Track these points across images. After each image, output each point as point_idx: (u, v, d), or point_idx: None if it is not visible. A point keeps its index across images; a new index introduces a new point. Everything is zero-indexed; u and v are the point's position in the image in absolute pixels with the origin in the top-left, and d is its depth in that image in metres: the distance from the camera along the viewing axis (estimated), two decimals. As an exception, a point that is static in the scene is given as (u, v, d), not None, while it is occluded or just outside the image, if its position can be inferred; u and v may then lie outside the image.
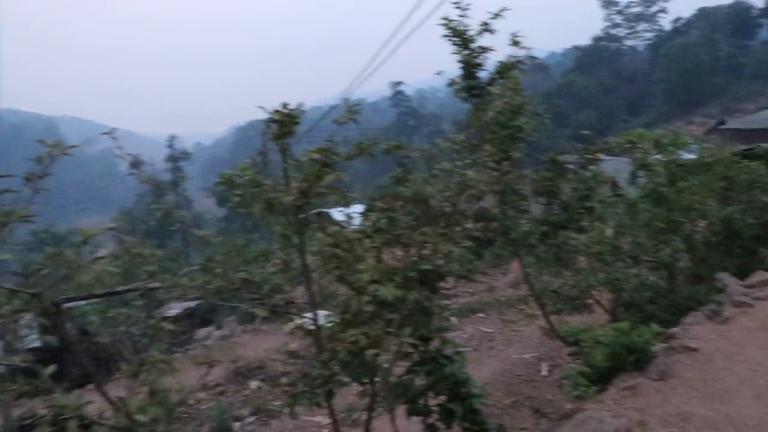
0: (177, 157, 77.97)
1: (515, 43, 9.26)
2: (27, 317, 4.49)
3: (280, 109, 5.15)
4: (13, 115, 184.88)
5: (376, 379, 5.62)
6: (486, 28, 9.20)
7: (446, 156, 6.94)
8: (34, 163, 4.07)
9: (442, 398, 5.74)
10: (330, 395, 5.26)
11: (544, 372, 11.80)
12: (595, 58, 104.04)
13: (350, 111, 5.30)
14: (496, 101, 9.15)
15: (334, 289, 5.29)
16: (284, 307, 5.86)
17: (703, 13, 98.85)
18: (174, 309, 22.10)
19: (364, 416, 6.08)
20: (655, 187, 11.26)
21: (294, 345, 13.08)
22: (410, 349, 5.56)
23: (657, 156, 11.89)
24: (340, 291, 4.91)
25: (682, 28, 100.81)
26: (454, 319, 16.35)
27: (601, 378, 7.12)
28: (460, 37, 9.27)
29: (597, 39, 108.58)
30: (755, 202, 11.71)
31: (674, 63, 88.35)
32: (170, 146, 79.29)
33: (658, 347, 7.22)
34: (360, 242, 5.18)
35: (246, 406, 12.96)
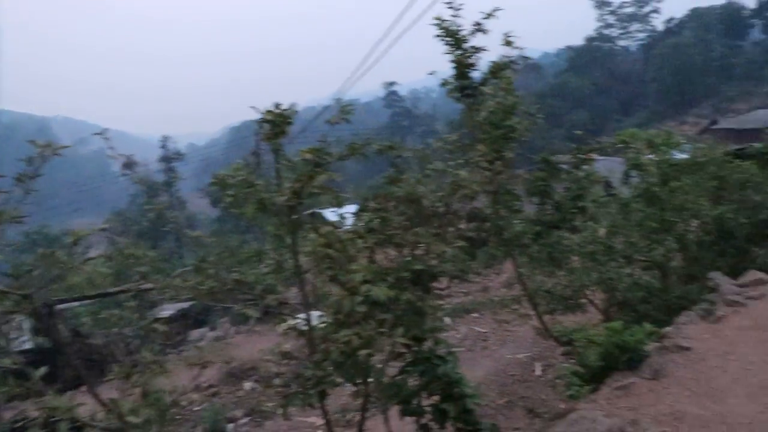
0: (170, 158, 77.75)
1: (508, 43, 9.27)
2: (19, 319, 4.46)
3: (272, 109, 5.13)
4: (4, 116, 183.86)
5: (370, 379, 5.61)
6: (478, 28, 9.20)
7: (439, 156, 6.94)
8: (25, 164, 4.05)
9: (436, 398, 5.74)
10: (323, 396, 5.26)
11: (538, 372, 11.83)
12: (588, 58, 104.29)
13: (342, 111, 5.29)
14: (489, 101, 9.15)
15: (327, 290, 5.28)
16: (277, 307, 5.85)
17: (696, 14, 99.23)
18: (167, 310, 22.06)
19: (358, 417, 6.07)
20: (647, 186, 11.28)
21: (287, 346, 13.08)
22: (403, 350, 5.55)
23: (650, 156, 11.91)
24: (332, 291, 4.90)
25: (674, 28, 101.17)
26: (447, 319, 16.36)
27: (594, 378, 7.12)
28: (452, 37, 9.26)
29: (590, 39, 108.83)
30: (747, 201, 11.75)
31: (667, 63, 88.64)
32: (163, 147, 79.07)
33: (651, 347, 7.22)
34: (352, 242, 5.17)
35: (239, 407, 12.95)
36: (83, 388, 4.64)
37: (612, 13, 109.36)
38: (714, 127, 63.17)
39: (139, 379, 4.36)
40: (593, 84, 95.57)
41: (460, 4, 9.21)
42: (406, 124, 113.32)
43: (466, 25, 9.31)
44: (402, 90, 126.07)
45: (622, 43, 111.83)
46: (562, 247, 10.15)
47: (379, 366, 5.69)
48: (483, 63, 9.61)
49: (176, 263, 39.47)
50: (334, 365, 4.97)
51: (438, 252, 5.47)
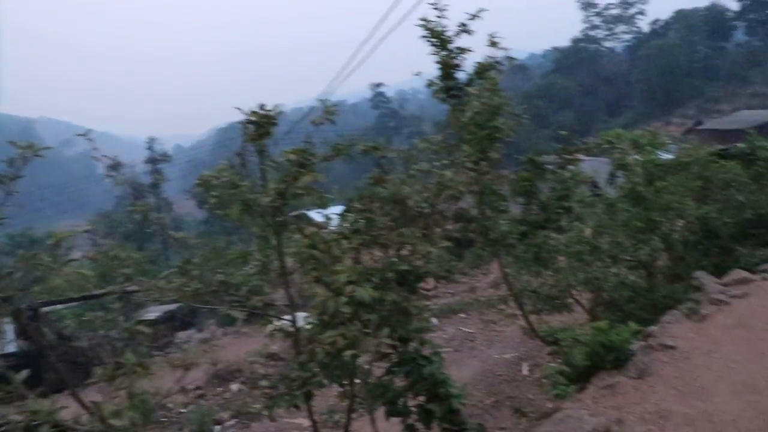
0: (156, 159, 77.38)
1: (493, 44, 9.29)
2: (2, 321, 4.41)
3: (257, 110, 5.11)
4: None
5: (356, 380, 5.60)
6: (464, 29, 9.22)
7: (424, 157, 6.94)
8: (6, 165, 4.01)
9: (421, 399, 5.74)
10: (309, 397, 5.24)
11: (525, 372, 11.84)
12: (575, 59, 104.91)
13: (327, 112, 5.28)
14: (474, 102, 9.16)
15: (313, 291, 5.26)
16: (263, 309, 5.83)
17: (680, 15, 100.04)
18: (154, 312, 21.96)
19: (345, 418, 6.06)
20: (633, 186, 11.33)
21: (275, 347, 13.06)
22: (389, 350, 5.54)
23: (635, 156, 11.97)
24: (318, 292, 4.88)
25: (659, 29, 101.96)
26: (434, 320, 16.36)
27: (580, 377, 7.14)
28: (438, 37, 9.28)
29: (576, 40, 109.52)
30: (731, 201, 11.84)
31: (652, 64, 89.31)
32: (149, 148, 78.68)
33: (636, 346, 7.25)
34: (337, 243, 5.16)
35: (226, 409, 12.88)
36: (68, 391, 4.59)
37: (598, 14, 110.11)
38: (699, 127, 63.74)
39: (123, 381, 4.32)
40: (579, 85, 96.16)
41: (445, 5, 9.23)
42: (393, 125, 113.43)
43: (451, 26, 9.34)
44: (389, 91, 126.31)
45: (607, 44, 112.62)
46: (548, 247, 10.18)
47: (366, 367, 5.68)
48: (469, 64, 9.63)
49: (162, 265, 39.29)
50: (320, 366, 4.96)
51: (423, 252, 5.47)
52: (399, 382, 5.77)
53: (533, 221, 10.01)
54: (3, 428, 3.83)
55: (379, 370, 5.86)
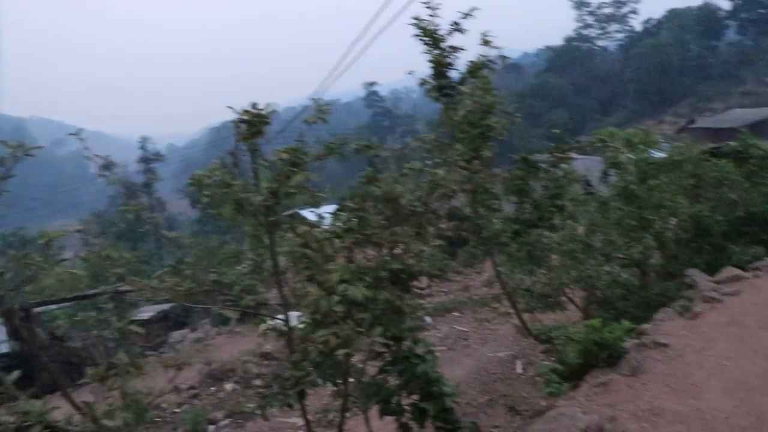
0: (149, 159, 77.17)
1: (486, 43, 9.29)
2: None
3: (249, 109, 5.10)
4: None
5: (350, 379, 5.60)
6: (456, 27, 9.22)
7: (417, 155, 6.94)
8: (-3, 165, 3.99)
9: (415, 397, 5.74)
10: (302, 396, 5.23)
11: (519, 370, 11.86)
12: (568, 58, 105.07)
13: (320, 111, 5.27)
14: (467, 100, 9.17)
15: (306, 290, 5.25)
16: (255, 308, 5.82)
17: (673, 14, 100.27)
18: (147, 312, 21.93)
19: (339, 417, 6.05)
20: (626, 185, 11.36)
21: (268, 346, 13.03)
22: (382, 349, 5.54)
23: (628, 155, 12.00)
24: (310, 291, 4.88)
25: (652, 28, 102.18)
26: (428, 319, 16.37)
27: (573, 375, 7.16)
28: (430, 36, 9.28)
29: (569, 39, 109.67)
30: (724, 199, 11.88)
31: (645, 63, 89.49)
32: (142, 147, 78.47)
33: (629, 343, 7.27)
34: (330, 242, 5.15)
35: (220, 409, 12.85)
36: (61, 392, 4.57)
37: (591, 13, 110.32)
38: (691, 126, 63.95)
39: (116, 381, 4.30)
40: (572, 84, 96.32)
41: (438, 4, 9.24)
42: (386, 124, 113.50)
43: (444, 24, 9.34)
44: (383, 90, 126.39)
45: (600, 43, 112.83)
46: (541, 246, 10.20)
47: (359, 365, 5.68)
48: (461, 63, 9.64)
49: (156, 264, 39.17)
50: (313, 365, 4.95)
51: (416, 251, 5.47)
52: (393, 381, 5.77)
53: (526, 220, 10.03)
54: (-6, 429, 3.81)
55: (373, 369, 5.85)
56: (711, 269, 10.02)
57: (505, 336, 14.20)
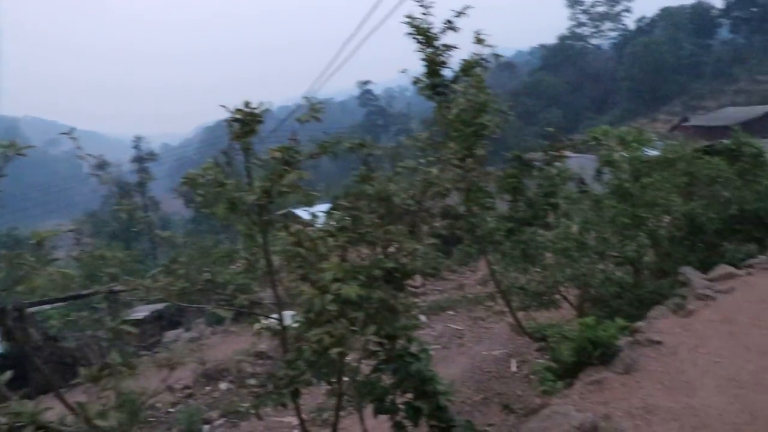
0: (143, 158, 76.94)
1: (479, 41, 9.28)
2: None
3: (242, 108, 5.08)
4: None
5: (344, 378, 5.59)
6: (449, 26, 9.21)
7: (410, 154, 6.94)
8: (-12, 164, 3.96)
9: (409, 396, 5.73)
10: (296, 395, 5.22)
11: (514, 368, 11.87)
12: (562, 56, 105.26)
13: (312, 109, 5.25)
14: (460, 99, 9.16)
15: (300, 289, 5.24)
16: (249, 307, 5.80)
17: (666, 13, 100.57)
18: (141, 312, 21.89)
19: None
20: (619, 183, 11.39)
21: (263, 346, 13.03)
22: (376, 348, 5.54)
23: (622, 153, 12.03)
24: (304, 290, 4.87)
25: (645, 27, 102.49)
26: (423, 317, 16.38)
27: (567, 373, 7.17)
28: (423, 35, 9.26)
29: (563, 38, 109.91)
30: (717, 197, 11.93)
31: (638, 61, 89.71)
32: (136, 147, 78.22)
33: (623, 341, 7.29)
34: (323, 241, 5.14)
35: (215, 409, 12.84)
36: (60, 392, 4.55)
37: (584, 12, 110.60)
38: (685, 124, 64.17)
39: (109, 381, 4.28)
40: (566, 82, 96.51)
41: (431, 2, 9.22)
42: (380, 123, 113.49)
43: (437, 23, 9.33)
44: (377, 89, 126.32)
45: (594, 41, 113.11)
46: (535, 244, 10.21)
47: (353, 364, 5.67)
48: (455, 61, 9.63)
49: (150, 264, 39.12)
50: (307, 364, 4.94)
51: (410, 250, 5.46)
52: (387, 380, 5.77)
53: (520, 218, 10.04)
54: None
55: (367, 367, 5.85)
56: (704, 267, 10.06)
57: (499, 334, 14.22)
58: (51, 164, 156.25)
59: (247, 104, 5.10)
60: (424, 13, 9.22)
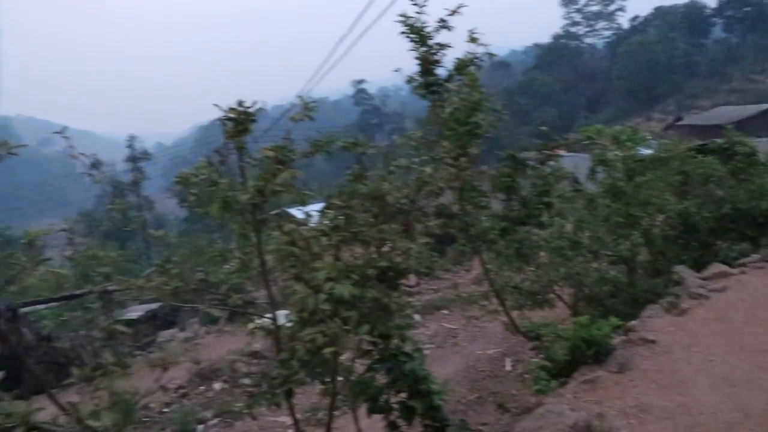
0: (137, 158, 76.74)
1: (473, 40, 9.27)
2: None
3: (235, 106, 5.07)
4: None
5: (338, 377, 5.59)
6: (443, 24, 9.19)
7: (404, 153, 6.93)
8: (-21, 164, 3.94)
9: (403, 395, 5.73)
10: (290, 395, 5.21)
11: (508, 367, 11.88)
12: (556, 55, 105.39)
13: (306, 108, 5.24)
14: (454, 98, 9.16)
15: (293, 288, 5.23)
16: (242, 307, 5.79)
17: (660, 12, 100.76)
18: (136, 311, 21.82)
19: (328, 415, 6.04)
20: (613, 182, 11.40)
21: (257, 345, 13.01)
22: (369, 347, 5.53)
23: (615, 152, 12.04)
24: (297, 289, 4.85)
25: (639, 26, 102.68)
26: (417, 317, 16.38)
27: (561, 372, 7.18)
28: (417, 33, 9.25)
29: (557, 37, 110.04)
30: (710, 196, 11.95)
31: (632, 61, 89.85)
32: (130, 146, 78.01)
33: (617, 340, 7.31)
34: (317, 240, 5.14)
35: (209, 409, 12.80)
36: (52, 393, 4.53)
37: (578, 11, 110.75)
38: (678, 123, 64.29)
39: (101, 381, 4.27)
40: (560, 81, 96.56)
41: (425, 1, 9.20)
42: (375, 122, 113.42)
43: (431, 21, 9.32)
44: (371, 88, 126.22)
45: (588, 40, 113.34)
46: (529, 243, 10.22)
47: (347, 364, 5.67)
48: (449, 60, 9.62)
49: (144, 264, 39.00)
50: (301, 364, 4.93)
51: (403, 249, 5.46)
52: (381, 379, 5.77)
53: (514, 217, 10.04)
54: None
55: (361, 367, 5.84)
56: (698, 266, 10.09)
57: (494, 333, 14.23)
58: (44, 164, 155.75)
59: (240, 103, 5.09)
60: (417, 12, 9.21)
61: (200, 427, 11.92)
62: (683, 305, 8.14)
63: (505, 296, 11.15)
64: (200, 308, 6.46)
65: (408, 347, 5.74)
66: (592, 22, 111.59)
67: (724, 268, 9.47)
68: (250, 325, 5.69)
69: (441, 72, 9.59)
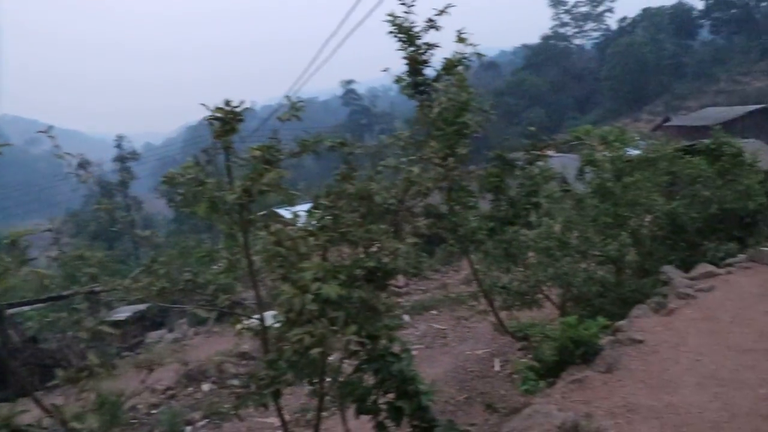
0: (125, 158, 76.26)
1: (461, 40, 9.27)
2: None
3: (222, 106, 5.04)
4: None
5: (326, 378, 5.56)
6: (431, 24, 9.19)
7: (392, 153, 6.92)
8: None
9: (391, 396, 5.71)
10: (277, 396, 5.19)
11: (497, 367, 11.89)
12: (545, 56, 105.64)
13: (293, 108, 5.22)
14: (442, 97, 9.16)
15: (281, 289, 5.20)
16: (230, 307, 5.76)
17: (647, 14, 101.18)
18: (124, 312, 21.70)
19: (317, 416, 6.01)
20: (601, 182, 11.44)
21: (246, 346, 12.97)
22: (357, 348, 5.51)
23: (604, 152, 12.08)
24: (284, 290, 4.83)
25: (627, 27, 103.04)
26: (406, 317, 16.38)
27: (550, 372, 7.19)
28: (405, 33, 9.24)
29: (546, 38, 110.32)
30: (698, 196, 12.01)
31: (621, 62, 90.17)
32: (118, 146, 77.51)
33: (605, 340, 7.33)
34: (304, 240, 5.11)
35: (197, 410, 12.75)
36: (36, 394, 4.49)
37: (567, 12, 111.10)
38: (666, 124, 64.53)
39: (87, 383, 4.23)
40: (549, 82, 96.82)
41: (413, 1, 9.20)
42: (364, 122, 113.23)
43: (419, 21, 9.31)
44: (360, 88, 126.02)
45: (577, 41, 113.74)
46: (517, 243, 10.23)
47: (336, 364, 5.65)
48: (437, 60, 9.62)
49: (133, 264, 38.78)
50: (289, 364, 4.91)
51: (391, 249, 5.44)
52: (369, 380, 5.74)
53: (502, 217, 10.05)
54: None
55: (350, 367, 5.82)
56: (686, 266, 10.14)
57: (482, 334, 14.25)
58: (31, 163, 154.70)
59: (227, 103, 5.06)
60: (405, 12, 9.21)
61: (188, 428, 11.87)
62: (671, 305, 8.17)
63: (494, 296, 11.17)
64: (188, 309, 6.42)
65: (396, 348, 5.72)
66: (581, 23, 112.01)
67: (712, 268, 9.53)
68: (238, 326, 5.66)
69: (429, 72, 9.59)
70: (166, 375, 14.55)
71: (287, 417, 6.30)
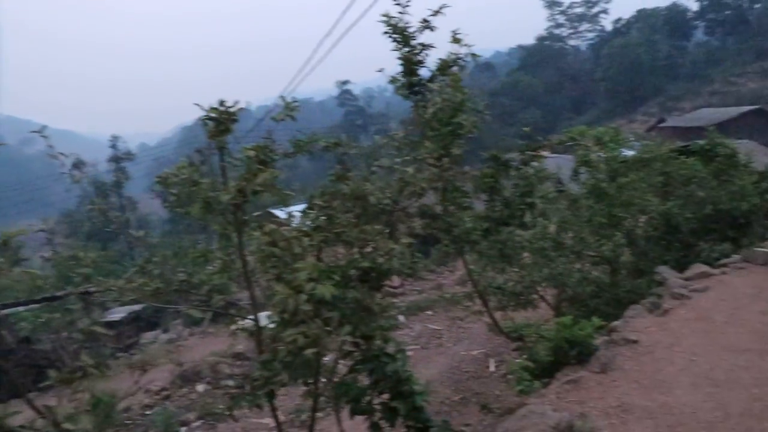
0: (120, 158, 76.04)
1: (456, 41, 9.27)
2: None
3: (216, 106, 5.03)
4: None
5: (321, 378, 5.55)
6: (426, 25, 9.19)
7: (387, 153, 6.92)
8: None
9: (385, 397, 5.70)
10: (271, 396, 5.17)
11: (492, 368, 11.89)
12: (540, 57, 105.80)
13: (288, 108, 5.21)
14: (437, 98, 9.15)
15: (275, 289, 5.19)
16: (224, 308, 5.75)
17: (642, 15, 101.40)
18: (119, 313, 21.64)
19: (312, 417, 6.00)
20: (596, 183, 11.45)
21: (240, 347, 12.94)
22: (352, 348, 5.50)
23: (599, 153, 12.10)
24: (279, 290, 4.81)
25: (622, 28, 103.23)
26: (401, 317, 16.37)
27: (544, 372, 7.19)
28: (400, 33, 9.24)
29: (541, 39, 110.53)
30: (692, 197, 12.03)
31: (616, 63, 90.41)
32: (113, 146, 77.30)
33: (599, 340, 7.33)
34: (298, 240, 5.09)
35: (192, 411, 12.72)
36: (29, 396, 4.46)
37: (562, 13, 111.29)
38: (661, 125, 64.72)
39: (80, 384, 4.20)
40: (544, 82, 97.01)
41: (408, 1, 9.19)
42: (359, 123, 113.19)
43: (414, 22, 9.31)
44: (356, 89, 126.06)
45: (572, 42, 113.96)
46: (512, 244, 10.24)
47: (330, 365, 5.64)
48: (432, 60, 9.62)
49: (127, 265, 38.68)
50: (283, 365, 4.89)
51: (386, 249, 5.43)
52: (364, 380, 5.73)
53: (497, 218, 10.05)
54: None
55: (344, 368, 5.81)
56: (680, 266, 10.15)
57: (478, 334, 14.24)
58: (26, 163, 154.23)
59: (221, 103, 5.05)
60: (400, 12, 9.20)
61: (183, 429, 11.83)
62: (665, 305, 8.19)
63: (489, 297, 11.17)
64: (183, 310, 6.39)
65: (391, 348, 5.71)
66: (576, 24, 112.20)
67: (706, 268, 9.55)
68: (233, 327, 5.64)
69: (424, 72, 9.59)
70: (160, 376, 14.50)
71: (282, 418, 6.29)
